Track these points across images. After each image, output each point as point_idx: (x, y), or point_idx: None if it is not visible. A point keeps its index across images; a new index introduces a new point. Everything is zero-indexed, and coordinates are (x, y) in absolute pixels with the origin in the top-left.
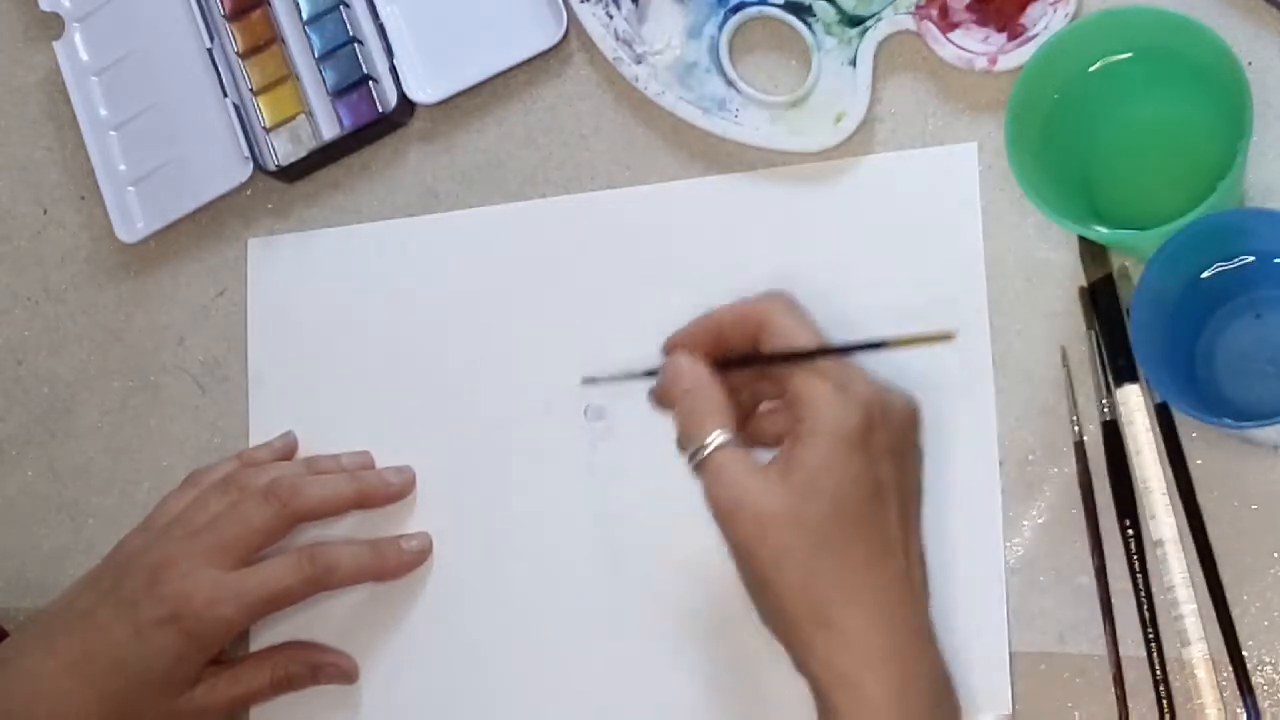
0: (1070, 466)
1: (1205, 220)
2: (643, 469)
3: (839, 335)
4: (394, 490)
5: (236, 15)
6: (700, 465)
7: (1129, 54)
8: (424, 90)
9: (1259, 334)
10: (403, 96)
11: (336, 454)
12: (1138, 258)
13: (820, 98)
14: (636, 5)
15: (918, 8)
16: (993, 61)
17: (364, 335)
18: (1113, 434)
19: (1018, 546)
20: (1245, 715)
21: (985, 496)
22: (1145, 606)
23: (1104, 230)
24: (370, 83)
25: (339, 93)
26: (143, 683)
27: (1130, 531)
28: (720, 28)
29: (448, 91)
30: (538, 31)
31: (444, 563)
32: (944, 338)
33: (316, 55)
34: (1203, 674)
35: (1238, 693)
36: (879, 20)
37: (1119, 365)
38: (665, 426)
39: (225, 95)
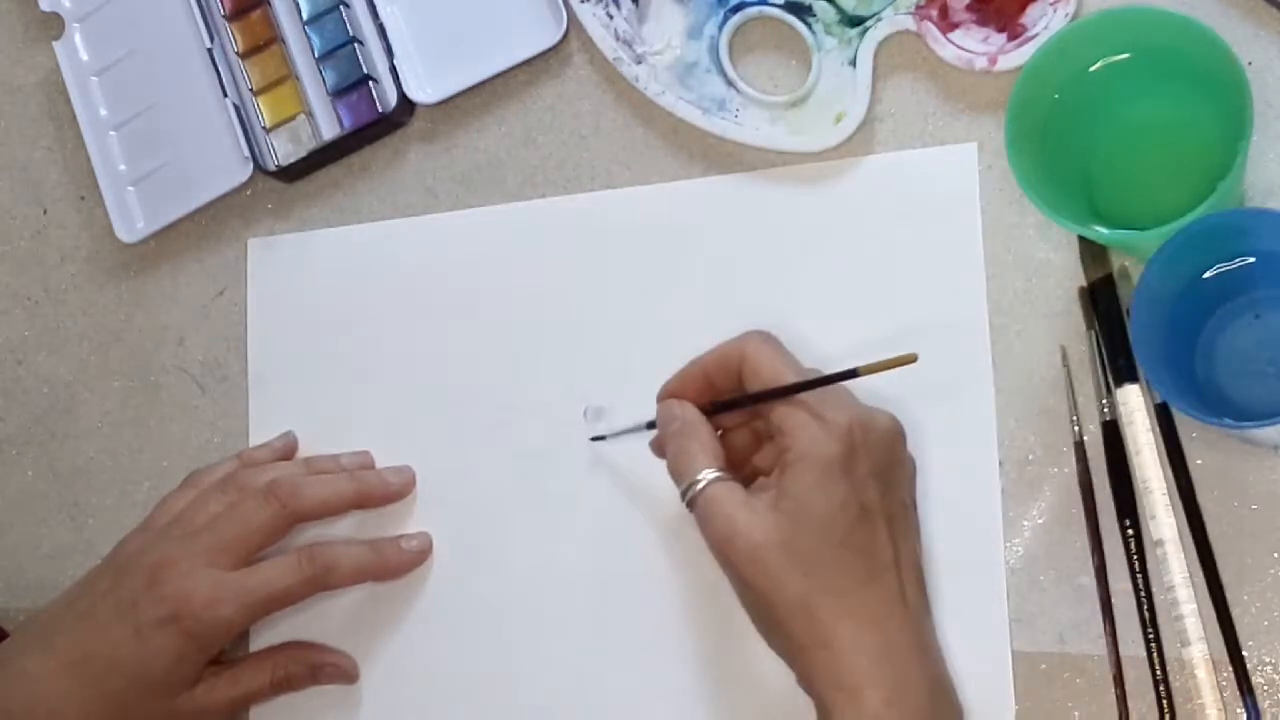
0: (1070, 466)
1: (1205, 220)
2: (642, 468)
3: (839, 336)
4: (394, 490)
5: (236, 15)
6: (693, 501)
7: (1129, 54)
8: (424, 90)
9: (1259, 334)
10: (403, 96)
11: (336, 454)
12: (1138, 258)
13: (820, 98)
14: (636, 5)
15: (918, 8)
16: (993, 61)
17: (364, 335)
18: (1113, 434)
19: (1018, 546)
20: (1245, 715)
21: (985, 497)
22: (1145, 606)
23: (1104, 230)
24: (370, 83)
25: (339, 93)
26: (142, 683)
27: (1130, 531)
28: (720, 28)
29: (448, 91)
30: (538, 31)
31: (444, 563)
32: (908, 361)
33: (316, 55)
34: (1203, 674)
35: (1238, 693)
36: (879, 20)
37: (1119, 365)
38: None
39: (225, 95)
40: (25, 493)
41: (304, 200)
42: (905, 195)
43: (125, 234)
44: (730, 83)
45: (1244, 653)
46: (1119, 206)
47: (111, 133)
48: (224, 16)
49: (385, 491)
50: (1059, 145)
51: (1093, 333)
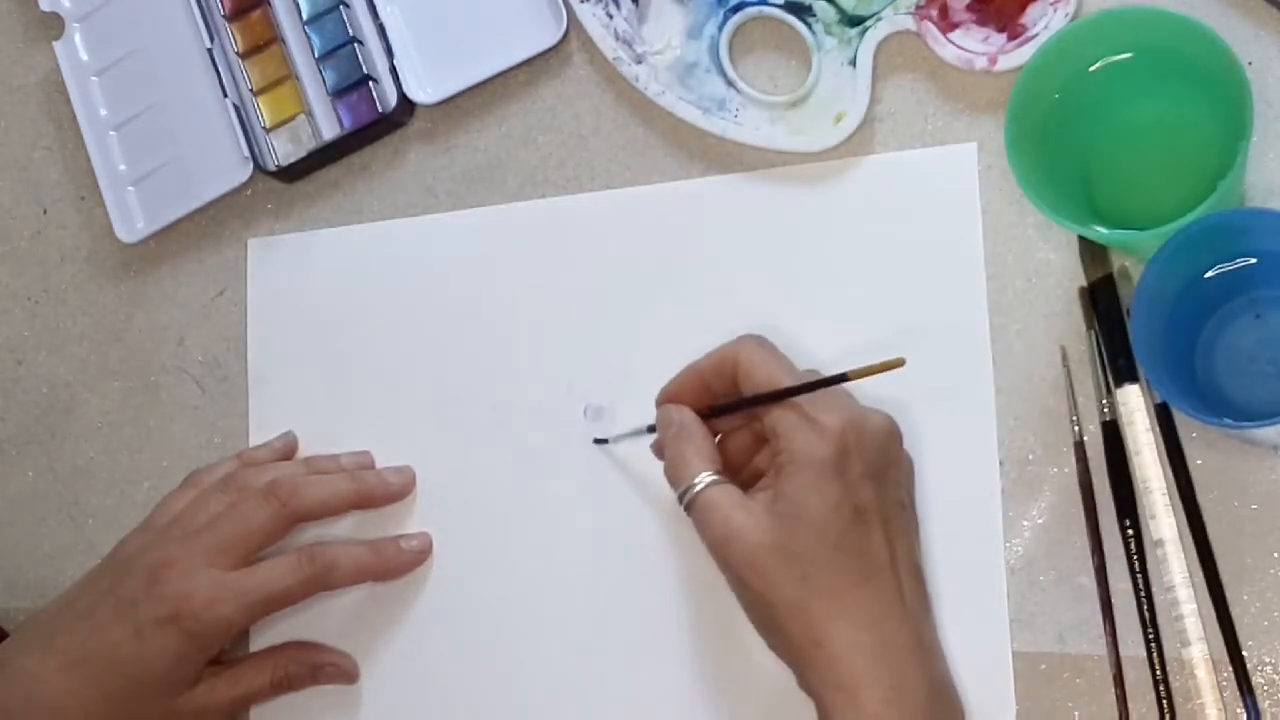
0: (1070, 466)
1: (1205, 220)
2: (642, 468)
3: (839, 335)
4: (394, 490)
5: (236, 15)
6: (690, 505)
7: (1129, 54)
8: (424, 90)
9: (1259, 334)
10: (403, 96)
11: (336, 454)
12: (1138, 258)
13: (820, 98)
14: (636, 5)
15: (918, 8)
16: (993, 61)
17: (364, 335)
18: (1113, 434)
19: (1018, 546)
20: (1245, 715)
21: (985, 497)
22: (1145, 606)
23: (1104, 230)
24: (370, 83)
25: (339, 93)
26: (142, 682)
27: (1130, 531)
28: (720, 28)
29: (448, 91)
30: (538, 31)
31: (444, 563)
32: (896, 365)
33: (316, 55)
34: (1203, 674)
35: (1238, 693)
36: (879, 20)
37: (1119, 365)
38: None
39: (225, 95)
40: (25, 493)
41: (304, 200)
42: (905, 195)
43: (125, 234)
44: (730, 83)
45: (1244, 653)
46: (1119, 206)
47: (111, 133)
48: (224, 16)
49: (385, 491)
50: (1059, 145)
51: (1093, 333)
